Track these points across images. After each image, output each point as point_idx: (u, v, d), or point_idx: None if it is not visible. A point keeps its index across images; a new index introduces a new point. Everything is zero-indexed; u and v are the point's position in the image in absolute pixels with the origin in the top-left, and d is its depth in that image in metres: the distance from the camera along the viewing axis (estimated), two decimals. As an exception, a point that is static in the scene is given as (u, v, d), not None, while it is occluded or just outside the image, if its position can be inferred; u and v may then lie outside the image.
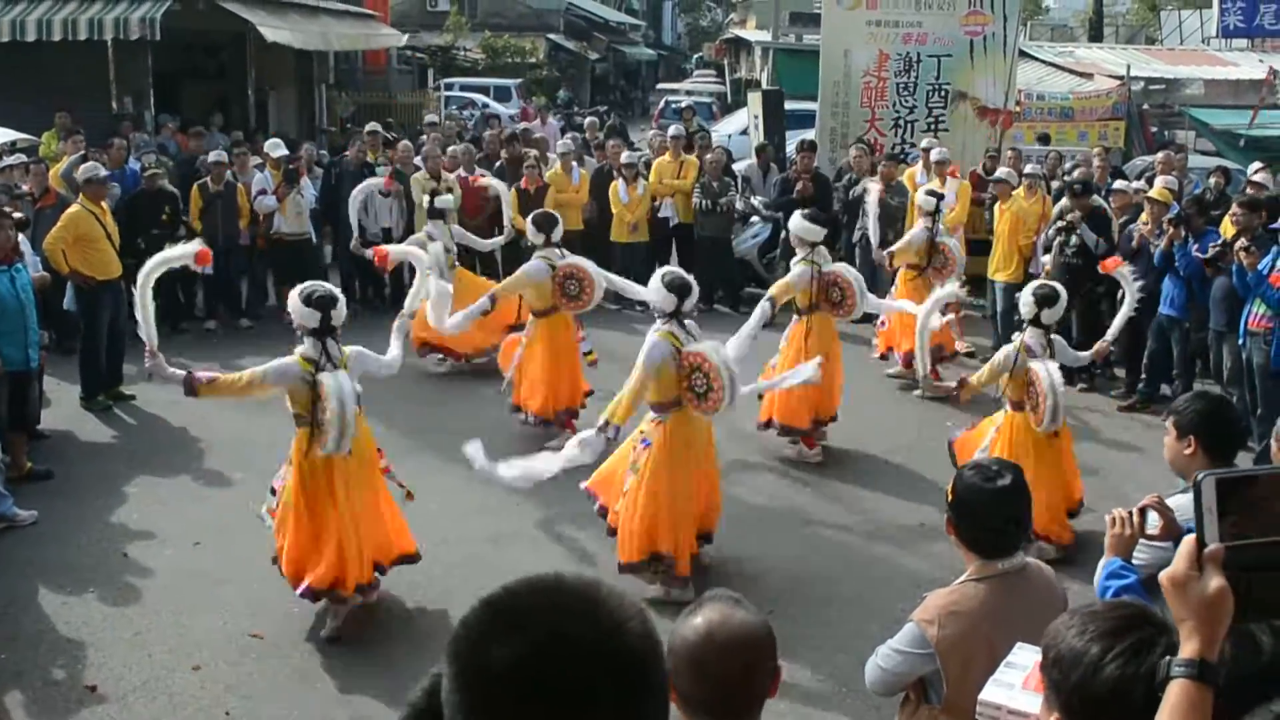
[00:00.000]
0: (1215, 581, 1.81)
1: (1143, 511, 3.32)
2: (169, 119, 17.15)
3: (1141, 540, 3.75)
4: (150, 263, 6.62)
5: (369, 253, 11.01)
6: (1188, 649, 1.84)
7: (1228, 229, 10.25)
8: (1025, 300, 7.67)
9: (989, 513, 3.56)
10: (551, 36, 43.41)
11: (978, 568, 3.60)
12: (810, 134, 15.96)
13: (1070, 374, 11.07)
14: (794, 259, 9.17)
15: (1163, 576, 1.87)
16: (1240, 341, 9.23)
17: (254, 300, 13.28)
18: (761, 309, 8.26)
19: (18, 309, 8.29)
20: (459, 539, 7.64)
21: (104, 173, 10.59)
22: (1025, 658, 2.65)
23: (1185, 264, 9.90)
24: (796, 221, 9.07)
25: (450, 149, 14.34)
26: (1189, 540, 1.86)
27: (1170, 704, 1.83)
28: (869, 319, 11.36)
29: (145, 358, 6.50)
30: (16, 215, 8.74)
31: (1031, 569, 3.68)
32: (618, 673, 1.45)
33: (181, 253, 6.84)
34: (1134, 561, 3.89)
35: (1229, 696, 1.91)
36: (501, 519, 8.00)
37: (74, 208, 9.98)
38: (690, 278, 7.14)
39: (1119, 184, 12.18)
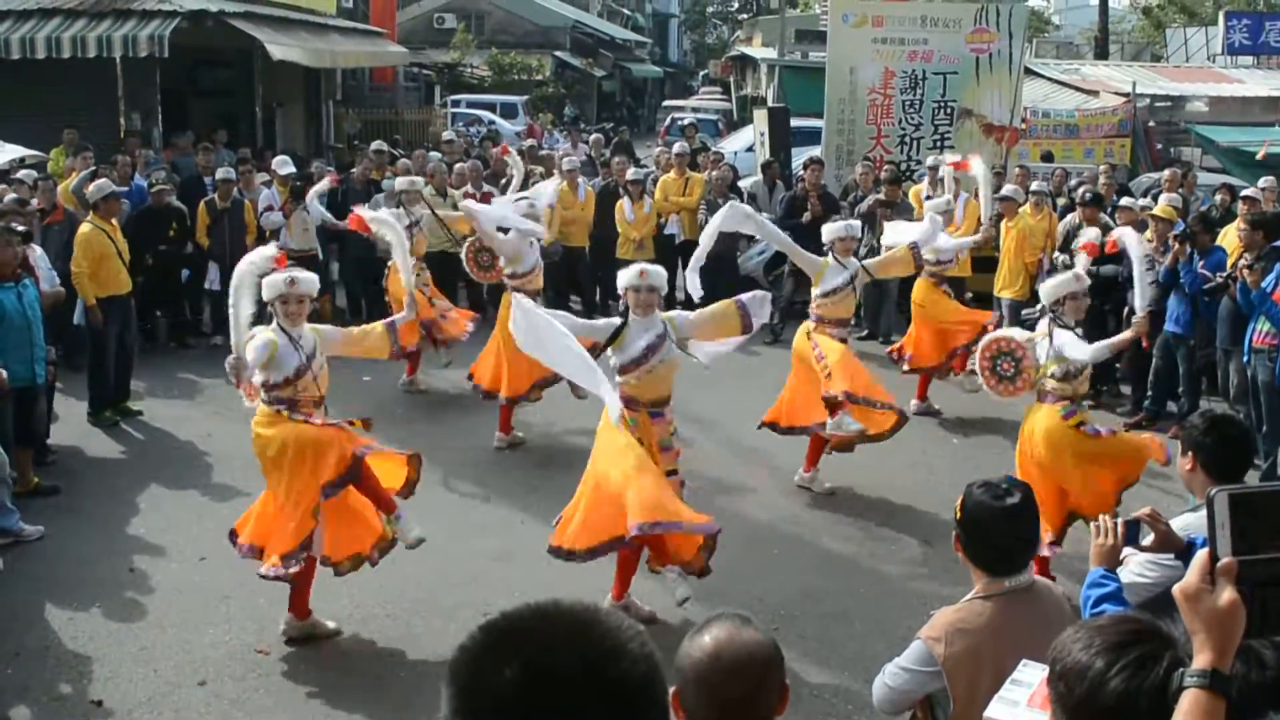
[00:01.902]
0: (1227, 595, 1.85)
1: (1129, 523, 3.33)
2: (179, 136, 17.14)
3: (1149, 558, 3.75)
4: (239, 272, 6.53)
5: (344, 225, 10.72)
6: (1200, 660, 1.87)
7: (1232, 243, 10.27)
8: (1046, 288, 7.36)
9: (997, 530, 3.55)
10: (558, 54, 43.56)
11: (985, 585, 3.60)
12: (816, 151, 16.00)
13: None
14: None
15: (1176, 589, 1.89)
16: (1245, 359, 9.22)
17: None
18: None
19: (24, 325, 8.29)
20: (463, 556, 7.63)
21: (118, 189, 10.64)
22: (1031, 675, 2.65)
23: (1190, 281, 9.89)
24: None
25: (458, 166, 14.40)
26: (1202, 554, 1.88)
27: (1183, 713, 1.85)
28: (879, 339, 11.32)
29: (229, 361, 6.40)
30: (20, 229, 8.74)
31: (1039, 587, 3.68)
32: (610, 699, 1.46)
33: (266, 255, 6.66)
34: (1143, 578, 3.90)
35: (1234, 712, 1.91)
36: (505, 537, 8.00)
37: (85, 228, 9.99)
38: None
39: (1125, 201, 12.19)
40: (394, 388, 11.23)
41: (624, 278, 6.82)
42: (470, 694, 1.46)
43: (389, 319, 7.17)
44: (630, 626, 1.53)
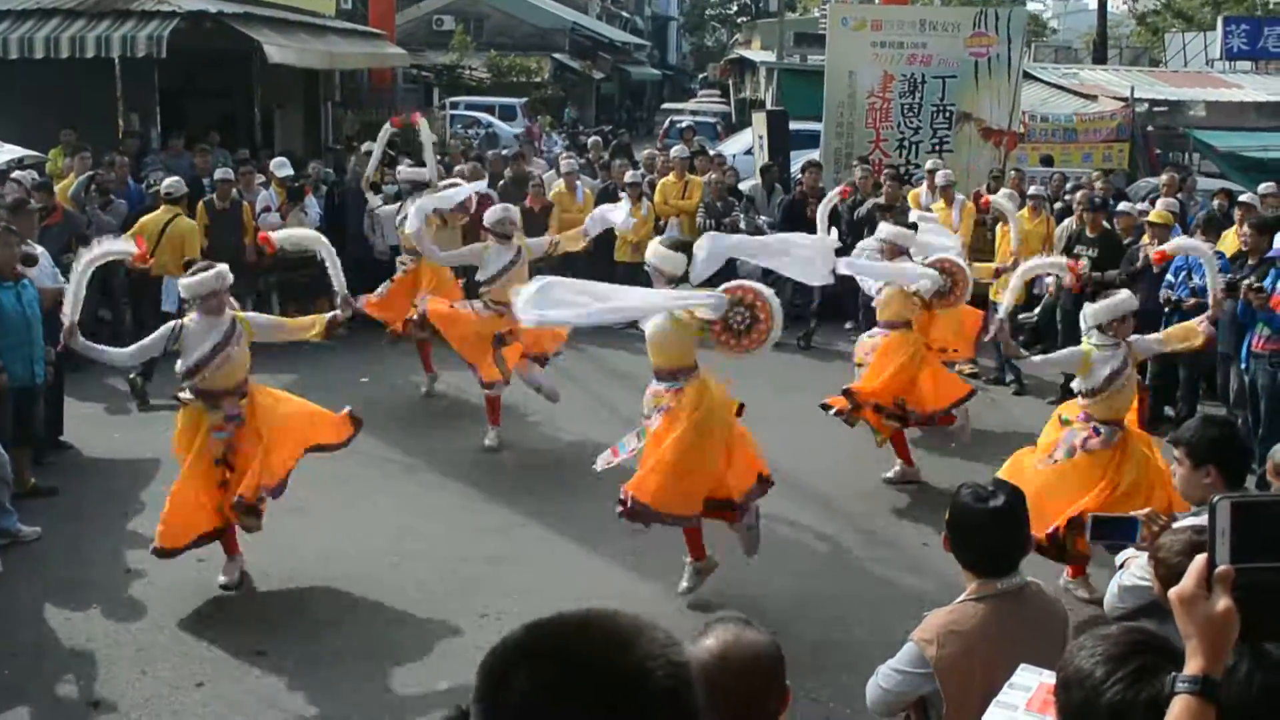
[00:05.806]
0: (1223, 602, 1.84)
1: (1128, 521, 3.36)
2: (173, 138, 17.10)
3: (1146, 561, 3.76)
4: (89, 255, 6.85)
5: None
6: (1192, 665, 1.87)
7: (1230, 247, 10.26)
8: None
9: (983, 533, 3.58)
10: (557, 56, 43.57)
11: (976, 587, 3.62)
12: (815, 154, 16.02)
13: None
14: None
15: (1172, 593, 1.90)
16: (1244, 364, 9.20)
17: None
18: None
19: (23, 325, 8.29)
20: (461, 559, 7.63)
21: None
22: (1028, 679, 2.66)
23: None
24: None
25: (458, 168, 14.41)
26: (1199, 559, 1.88)
27: (1173, 718, 1.84)
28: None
29: (63, 334, 6.80)
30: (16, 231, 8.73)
31: (1031, 589, 3.69)
32: (635, 715, 1.43)
33: (121, 248, 7.21)
34: (1145, 581, 3.90)
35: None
36: (504, 540, 7.99)
37: (186, 221, 11.65)
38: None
39: (1123, 206, 12.21)
40: (390, 390, 11.21)
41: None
42: (490, 689, 1.47)
43: (330, 314, 7.53)
44: (664, 657, 1.47)
